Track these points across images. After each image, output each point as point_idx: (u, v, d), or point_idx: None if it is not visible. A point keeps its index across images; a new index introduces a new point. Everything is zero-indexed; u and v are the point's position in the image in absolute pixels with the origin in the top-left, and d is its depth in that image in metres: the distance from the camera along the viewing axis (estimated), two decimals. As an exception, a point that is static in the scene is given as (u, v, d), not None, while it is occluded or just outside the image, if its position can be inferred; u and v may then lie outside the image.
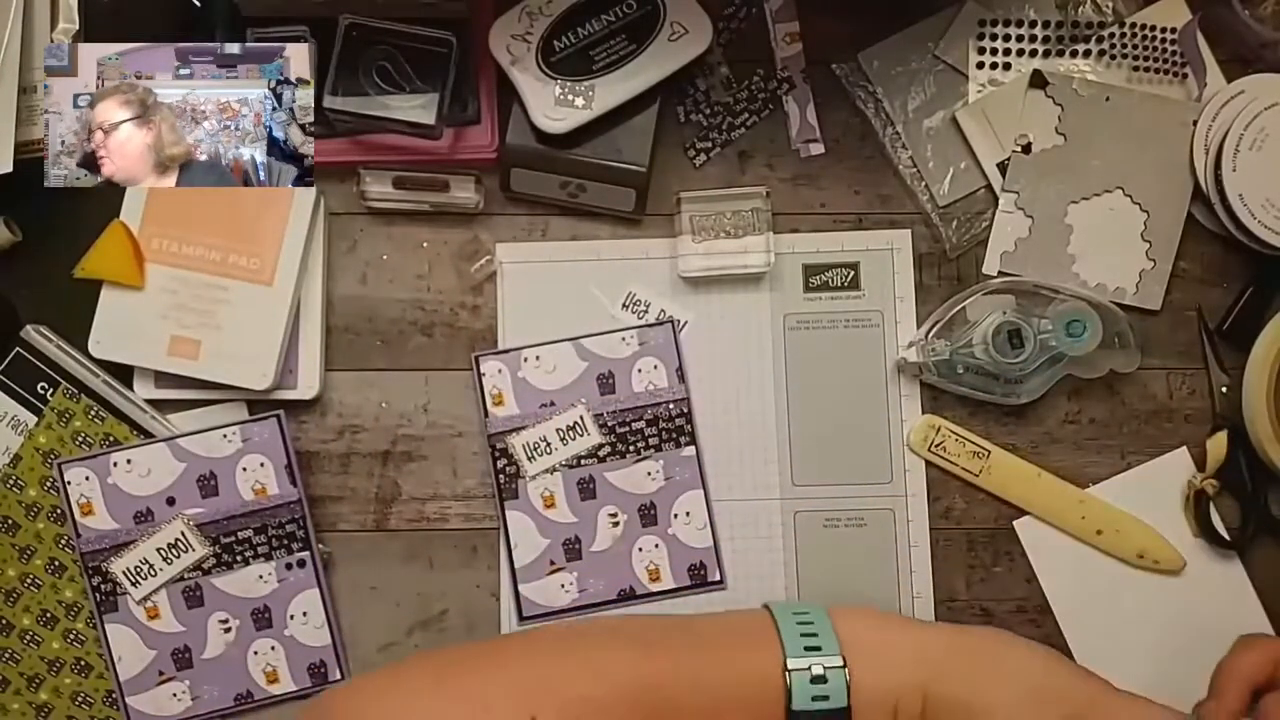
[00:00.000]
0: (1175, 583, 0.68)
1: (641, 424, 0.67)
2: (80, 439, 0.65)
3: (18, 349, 0.65)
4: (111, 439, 0.65)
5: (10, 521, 0.65)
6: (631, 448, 0.67)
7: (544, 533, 0.67)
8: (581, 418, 0.67)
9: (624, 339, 0.68)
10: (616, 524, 0.67)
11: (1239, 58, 0.70)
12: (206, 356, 0.64)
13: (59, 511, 0.65)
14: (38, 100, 0.64)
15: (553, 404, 0.67)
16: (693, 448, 0.68)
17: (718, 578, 0.68)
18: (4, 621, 0.65)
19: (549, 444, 0.67)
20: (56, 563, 0.65)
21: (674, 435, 0.67)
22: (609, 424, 0.67)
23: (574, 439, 0.67)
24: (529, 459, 0.67)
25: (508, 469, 0.67)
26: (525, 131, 0.66)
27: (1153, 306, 0.69)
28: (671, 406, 0.67)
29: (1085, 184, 0.69)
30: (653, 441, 0.67)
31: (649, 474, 0.67)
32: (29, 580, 0.65)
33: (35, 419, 0.65)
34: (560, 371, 0.67)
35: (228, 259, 0.65)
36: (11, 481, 0.65)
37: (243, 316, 0.65)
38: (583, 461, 0.67)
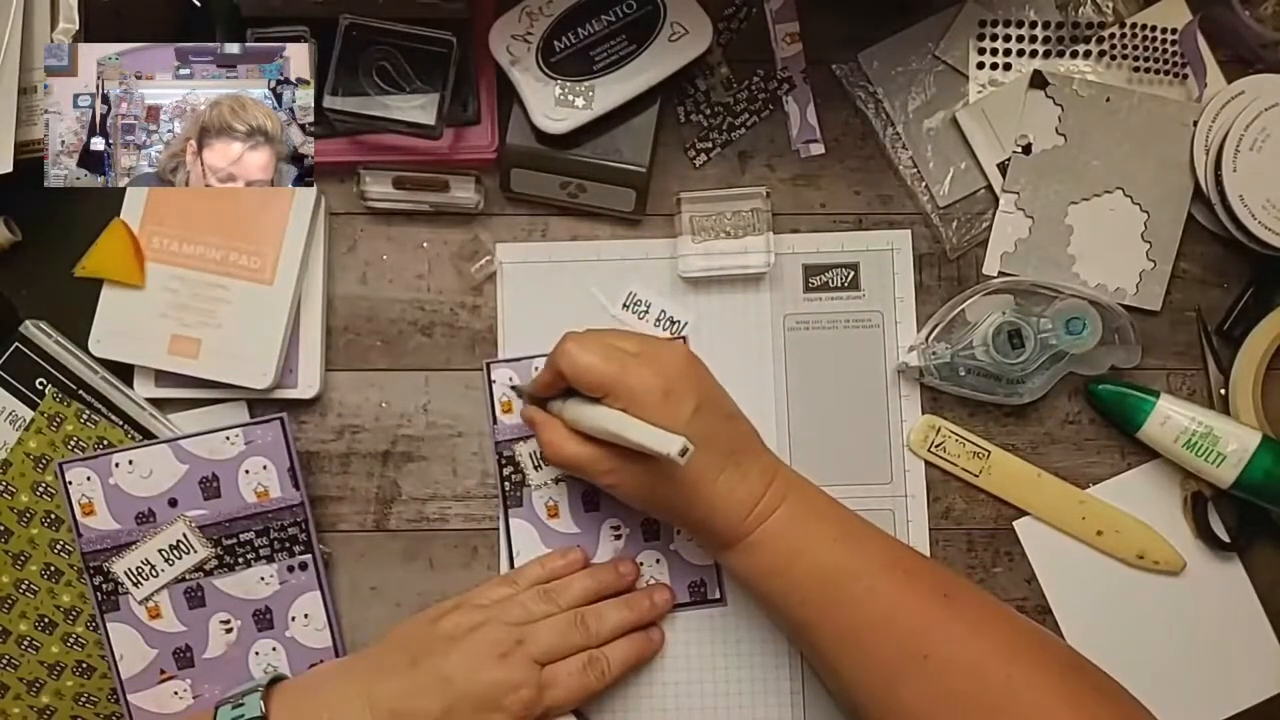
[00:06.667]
0: (1175, 583, 0.68)
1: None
2: (73, 443, 0.64)
3: (16, 344, 0.64)
4: (105, 442, 0.64)
5: (2, 528, 0.64)
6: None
7: (546, 542, 0.67)
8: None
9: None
10: (619, 537, 0.67)
11: (1239, 58, 0.70)
12: (207, 355, 0.64)
13: (53, 517, 0.64)
14: (38, 100, 0.64)
15: None
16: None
17: (717, 595, 0.67)
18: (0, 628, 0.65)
19: None
20: (52, 568, 0.65)
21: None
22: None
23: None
24: (535, 468, 0.67)
25: (513, 476, 0.67)
26: (525, 131, 0.66)
27: (1153, 307, 0.69)
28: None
29: (1085, 184, 0.69)
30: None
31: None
32: (24, 586, 0.65)
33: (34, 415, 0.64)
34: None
35: (228, 258, 0.65)
36: (2, 488, 0.64)
37: (243, 315, 0.65)
38: None
